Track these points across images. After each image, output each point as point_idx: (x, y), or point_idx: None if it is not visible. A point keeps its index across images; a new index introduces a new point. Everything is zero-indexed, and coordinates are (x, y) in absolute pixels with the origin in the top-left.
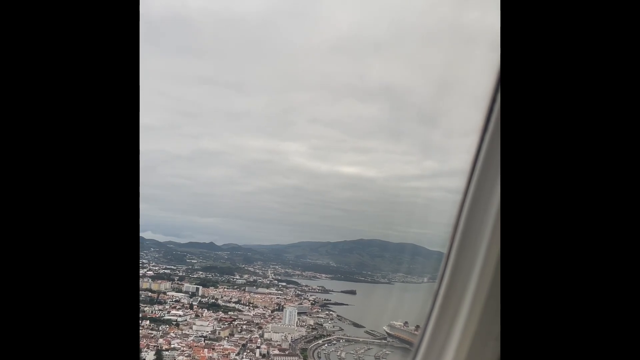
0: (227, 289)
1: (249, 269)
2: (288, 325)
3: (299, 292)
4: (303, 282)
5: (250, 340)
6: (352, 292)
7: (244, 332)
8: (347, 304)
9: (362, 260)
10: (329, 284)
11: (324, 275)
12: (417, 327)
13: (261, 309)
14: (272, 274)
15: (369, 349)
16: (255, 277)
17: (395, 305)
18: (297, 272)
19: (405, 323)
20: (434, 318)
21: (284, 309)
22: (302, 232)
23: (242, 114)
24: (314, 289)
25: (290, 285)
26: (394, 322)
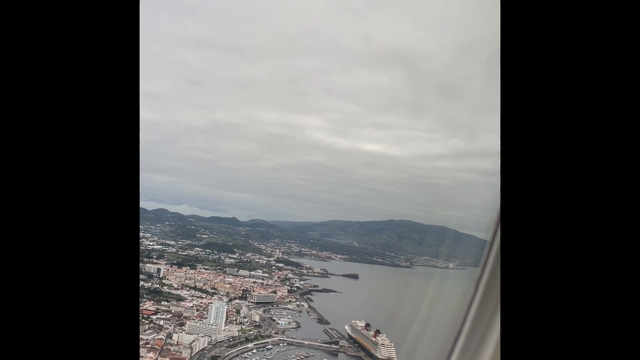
0: (206, 269)
1: (260, 246)
2: (212, 325)
3: (291, 276)
4: (310, 263)
5: (147, 343)
6: (355, 277)
7: (150, 331)
8: (335, 291)
9: (389, 241)
10: (340, 265)
11: (339, 256)
12: (377, 331)
13: (217, 297)
14: (280, 254)
15: (307, 356)
16: (255, 257)
17: (390, 296)
18: (313, 252)
19: (367, 325)
20: (476, 304)
21: (210, 305)
22: (333, 211)
23: (249, 83)
24: (315, 271)
25: (288, 267)
26: (356, 322)
